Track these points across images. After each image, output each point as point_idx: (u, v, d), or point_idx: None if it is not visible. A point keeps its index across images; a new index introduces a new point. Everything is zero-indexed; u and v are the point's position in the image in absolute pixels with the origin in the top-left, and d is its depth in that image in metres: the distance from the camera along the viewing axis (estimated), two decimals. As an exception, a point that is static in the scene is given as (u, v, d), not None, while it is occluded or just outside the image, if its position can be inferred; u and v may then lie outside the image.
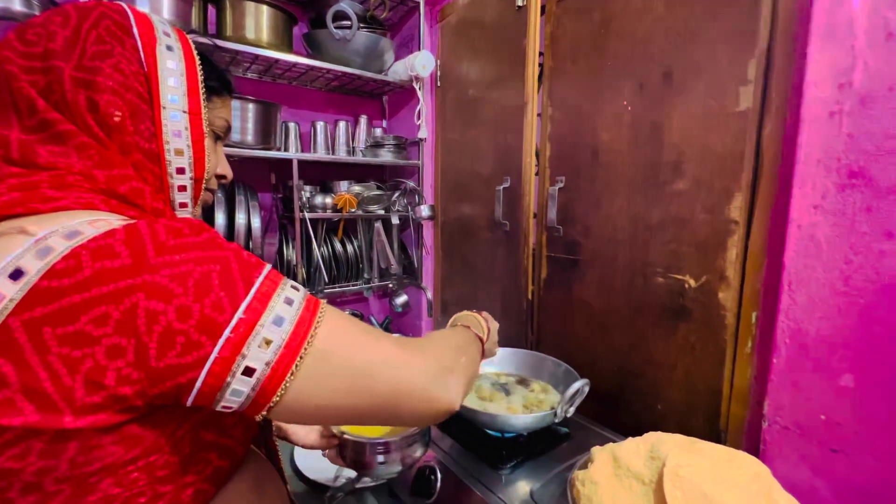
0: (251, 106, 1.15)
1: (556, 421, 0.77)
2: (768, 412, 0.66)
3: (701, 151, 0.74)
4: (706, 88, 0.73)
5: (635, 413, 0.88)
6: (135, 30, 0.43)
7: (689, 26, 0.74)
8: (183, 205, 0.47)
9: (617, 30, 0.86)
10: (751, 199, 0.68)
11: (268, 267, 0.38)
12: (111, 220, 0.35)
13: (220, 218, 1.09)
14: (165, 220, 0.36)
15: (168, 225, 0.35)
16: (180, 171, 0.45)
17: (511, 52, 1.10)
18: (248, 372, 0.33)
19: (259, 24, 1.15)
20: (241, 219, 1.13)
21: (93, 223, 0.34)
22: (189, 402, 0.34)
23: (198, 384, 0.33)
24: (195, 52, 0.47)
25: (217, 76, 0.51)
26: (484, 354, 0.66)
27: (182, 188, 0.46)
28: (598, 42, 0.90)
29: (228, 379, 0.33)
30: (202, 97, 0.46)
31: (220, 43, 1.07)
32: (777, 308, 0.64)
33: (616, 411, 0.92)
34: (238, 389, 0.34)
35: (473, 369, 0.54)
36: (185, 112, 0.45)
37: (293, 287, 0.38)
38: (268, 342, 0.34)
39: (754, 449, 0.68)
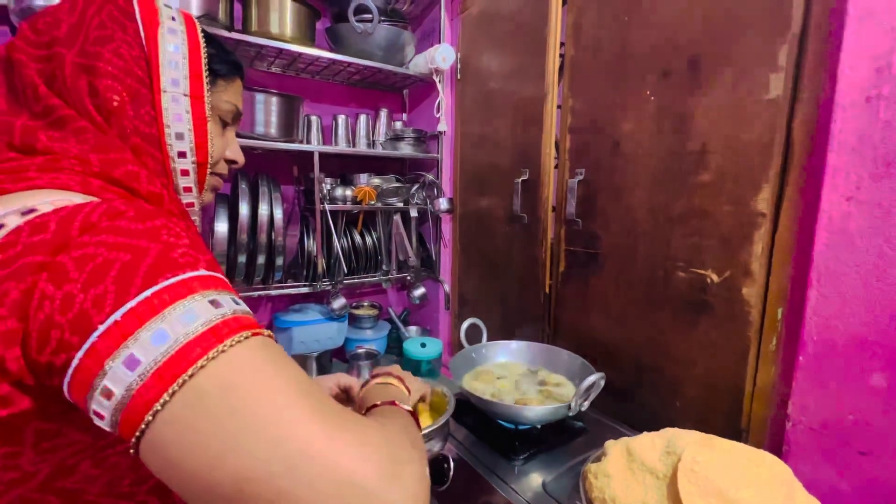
0: (274, 99, 1.17)
1: (571, 414, 0.76)
2: (793, 412, 0.64)
3: (727, 141, 0.71)
4: (734, 76, 0.70)
5: (653, 409, 0.86)
6: (137, 14, 0.43)
7: (717, 12, 0.72)
8: (187, 189, 0.47)
9: (641, 17, 0.84)
10: (779, 191, 0.66)
11: (197, 272, 0.30)
12: (73, 199, 0.33)
13: (243, 209, 1.12)
14: (121, 201, 0.32)
15: (112, 206, 0.31)
16: (181, 154, 0.45)
17: (532, 43, 1.09)
18: (107, 394, 0.26)
19: (283, 18, 1.17)
20: (263, 210, 1.15)
21: (54, 202, 0.32)
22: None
23: (65, 392, 0.27)
24: (201, 37, 0.47)
25: (223, 60, 0.51)
26: None
27: (185, 172, 0.46)
28: (622, 30, 0.87)
29: (87, 395, 0.26)
30: (205, 81, 0.46)
31: (244, 37, 1.10)
32: (804, 304, 0.61)
33: (633, 407, 0.90)
34: (98, 412, 0.27)
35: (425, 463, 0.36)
36: (185, 95, 0.44)
37: (211, 302, 0.29)
38: (135, 362, 0.26)
39: (777, 449, 0.66)
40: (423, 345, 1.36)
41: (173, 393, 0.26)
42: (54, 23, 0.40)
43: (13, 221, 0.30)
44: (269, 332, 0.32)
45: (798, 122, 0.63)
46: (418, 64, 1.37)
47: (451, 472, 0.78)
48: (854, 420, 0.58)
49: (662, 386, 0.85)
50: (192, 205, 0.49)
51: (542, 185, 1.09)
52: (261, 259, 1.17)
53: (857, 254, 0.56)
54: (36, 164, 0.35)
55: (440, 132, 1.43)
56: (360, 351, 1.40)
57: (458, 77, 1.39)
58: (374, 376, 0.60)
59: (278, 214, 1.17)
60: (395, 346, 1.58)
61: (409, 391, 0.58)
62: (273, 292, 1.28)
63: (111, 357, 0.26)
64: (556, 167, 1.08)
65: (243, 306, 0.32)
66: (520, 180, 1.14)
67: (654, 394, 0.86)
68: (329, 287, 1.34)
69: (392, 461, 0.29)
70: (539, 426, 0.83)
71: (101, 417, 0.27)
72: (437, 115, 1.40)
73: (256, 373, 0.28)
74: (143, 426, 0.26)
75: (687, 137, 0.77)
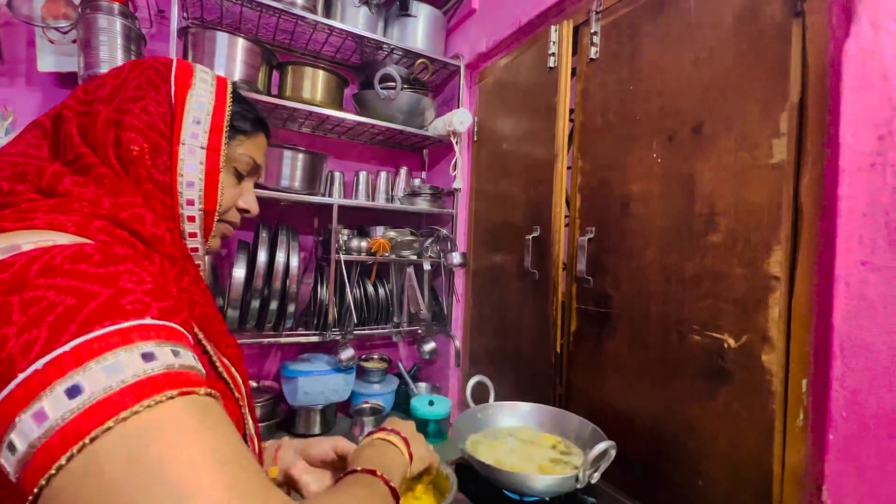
0: (301, 156, 1.26)
1: (579, 486, 0.70)
2: (828, 499, 0.57)
3: (735, 204, 0.71)
4: (737, 141, 0.71)
5: (673, 487, 0.79)
6: (172, 77, 0.47)
7: (717, 82, 0.75)
8: (192, 234, 0.49)
9: (646, 86, 0.88)
10: (792, 254, 0.64)
11: (142, 320, 0.29)
12: (56, 240, 0.33)
13: (261, 256, 1.16)
14: (92, 244, 0.32)
15: (80, 250, 0.31)
16: (190, 202, 0.47)
17: (543, 109, 1.15)
18: (12, 448, 0.24)
19: (315, 85, 1.29)
20: (280, 258, 1.19)
21: (37, 242, 0.32)
22: None
23: None
24: (228, 96, 0.51)
25: (246, 117, 0.54)
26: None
27: (191, 218, 0.48)
28: (628, 98, 0.92)
29: None
30: (224, 135, 0.49)
31: (279, 101, 1.21)
32: (829, 375, 0.57)
33: (651, 483, 0.82)
34: (3, 465, 0.25)
35: None
36: (202, 147, 0.47)
37: (144, 355, 0.27)
38: (42, 417, 0.24)
39: (815, 543, 0.59)
40: (432, 403, 1.31)
41: (70, 457, 0.24)
42: (101, 85, 0.45)
43: None
44: (207, 390, 0.30)
45: (805, 186, 0.63)
46: (437, 126, 1.45)
47: (448, 547, 0.71)
48: (899, 513, 0.51)
49: (682, 461, 0.78)
50: (196, 249, 0.51)
51: (552, 242, 1.09)
52: (273, 305, 1.19)
53: (880, 322, 0.53)
54: (48, 205, 0.37)
55: (455, 189, 1.48)
56: (364, 406, 1.36)
57: (475, 139, 1.47)
58: (380, 429, 0.56)
59: (294, 262, 1.21)
60: (403, 402, 1.53)
61: (410, 458, 0.53)
62: (283, 340, 1.28)
63: (24, 409, 0.24)
64: (566, 225, 1.09)
65: (185, 359, 0.30)
66: (531, 237, 1.15)
67: (674, 469, 0.79)
68: (338, 337, 1.34)
69: None
70: (546, 499, 0.77)
71: (5, 471, 0.25)
72: (453, 174, 1.46)
73: (168, 440, 0.26)
74: (35, 490, 0.24)
75: (695, 199, 0.78)
